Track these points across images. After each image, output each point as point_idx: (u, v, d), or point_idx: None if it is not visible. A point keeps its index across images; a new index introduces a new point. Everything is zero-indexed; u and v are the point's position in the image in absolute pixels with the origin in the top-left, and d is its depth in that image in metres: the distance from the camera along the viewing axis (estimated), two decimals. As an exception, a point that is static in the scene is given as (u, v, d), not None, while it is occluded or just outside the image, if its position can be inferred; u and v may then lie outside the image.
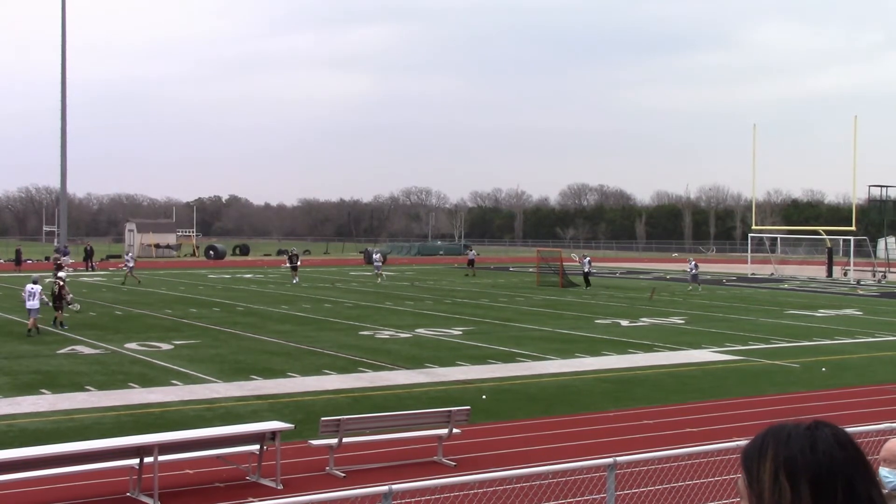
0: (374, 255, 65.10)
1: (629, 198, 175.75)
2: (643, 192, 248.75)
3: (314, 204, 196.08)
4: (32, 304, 28.94)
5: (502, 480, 11.62)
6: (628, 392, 20.91)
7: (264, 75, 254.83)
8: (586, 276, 53.68)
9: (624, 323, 34.66)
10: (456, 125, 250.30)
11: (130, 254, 60.61)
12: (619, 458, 10.45)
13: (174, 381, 21.55)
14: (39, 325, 29.59)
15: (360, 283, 56.88)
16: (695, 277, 52.38)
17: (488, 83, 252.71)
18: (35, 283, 29.54)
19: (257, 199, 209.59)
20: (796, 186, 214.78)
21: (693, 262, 53.82)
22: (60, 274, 33.51)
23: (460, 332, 31.21)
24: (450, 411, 14.95)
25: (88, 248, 73.31)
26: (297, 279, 56.51)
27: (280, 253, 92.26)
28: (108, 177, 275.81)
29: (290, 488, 13.20)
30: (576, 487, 12.07)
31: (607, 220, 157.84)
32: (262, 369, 23.38)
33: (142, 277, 55.98)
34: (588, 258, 55.47)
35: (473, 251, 71.59)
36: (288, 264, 60.53)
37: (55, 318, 31.15)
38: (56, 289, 31.28)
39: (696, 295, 48.49)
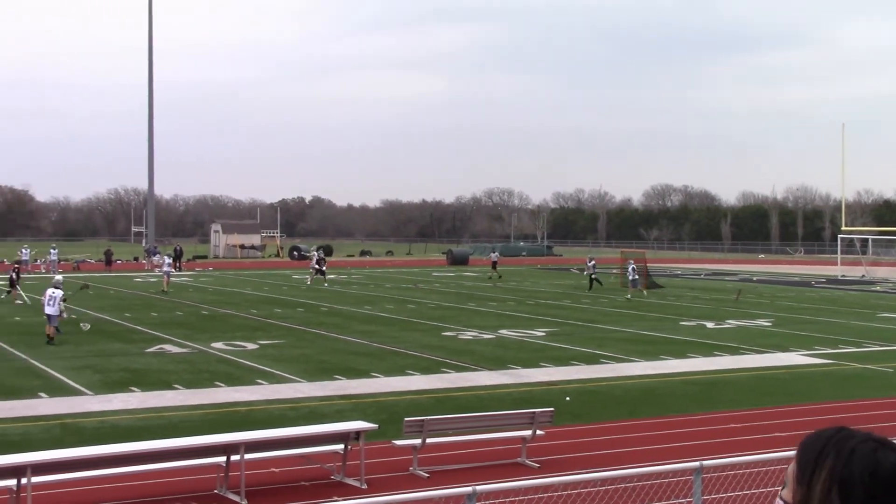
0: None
1: (714, 198, 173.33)
2: (728, 193, 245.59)
3: (397, 205, 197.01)
4: (52, 309, 27.26)
5: (586, 483, 11.51)
6: (714, 395, 20.60)
7: (347, 77, 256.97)
8: (591, 279, 52.14)
9: (709, 325, 34.18)
10: (538, 126, 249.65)
11: (166, 257, 54.32)
12: (705, 462, 10.28)
13: (259, 381, 21.80)
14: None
15: (442, 283, 56.98)
16: (633, 283, 48.22)
17: (570, 83, 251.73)
18: (57, 287, 28.10)
19: (340, 201, 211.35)
20: (888, 187, 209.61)
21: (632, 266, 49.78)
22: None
23: (543, 334, 31.07)
24: (533, 413, 14.87)
25: (178, 248, 74.62)
26: (325, 283, 53.17)
27: (289, 252, 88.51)
28: (193, 178, 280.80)
29: (374, 488, 13.25)
30: (661, 491, 11.92)
31: (692, 220, 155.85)
32: (346, 369, 23.53)
33: (226, 277, 56.72)
34: (593, 261, 53.77)
35: (496, 252, 68.69)
36: (316, 266, 55.28)
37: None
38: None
39: (781, 297, 47.59)
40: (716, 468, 11.96)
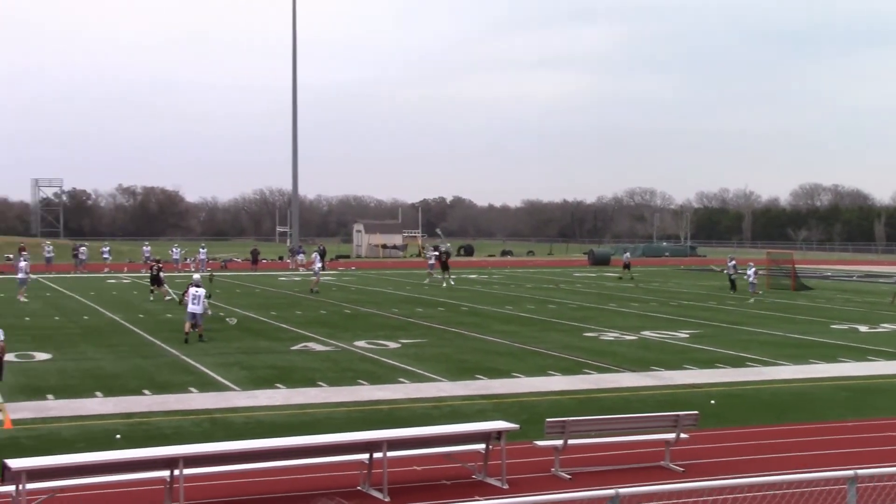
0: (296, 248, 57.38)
1: (867, 197, 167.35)
2: (882, 192, 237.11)
3: (538, 205, 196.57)
4: (198, 308, 27.72)
5: (733, 489, 11.24)
6: (869, 401, 19.86)
7: (489, 76, 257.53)
8: (731, 279, 51.10)
9: (862, 329, 32.99)
10: (681, 124, 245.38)
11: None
12: (860, 471, 9.88)
13: (401, 379, 22.00)
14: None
15: (584, 284, 56.56)
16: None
17: (712, 82, 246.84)
18: (198, 285, 28.44)
19: (481, 201, 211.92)
20: None
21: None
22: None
23: (687, 335, 30.51)
24: (677, 415, 14.59)
25: (321, 248, 75.99)
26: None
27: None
28: (337, 179, 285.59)
29: (516, 488, 13.20)
30: (812, 500, 11.52)
31: (843, 220, 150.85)
32: (487, 369, 23.55)
33: (368, 277, 57.47)
34: (734, 261, 52.33)
35: (628, 253, 67.88)
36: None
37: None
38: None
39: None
40: (871, 478, 11.49)
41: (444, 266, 54.94)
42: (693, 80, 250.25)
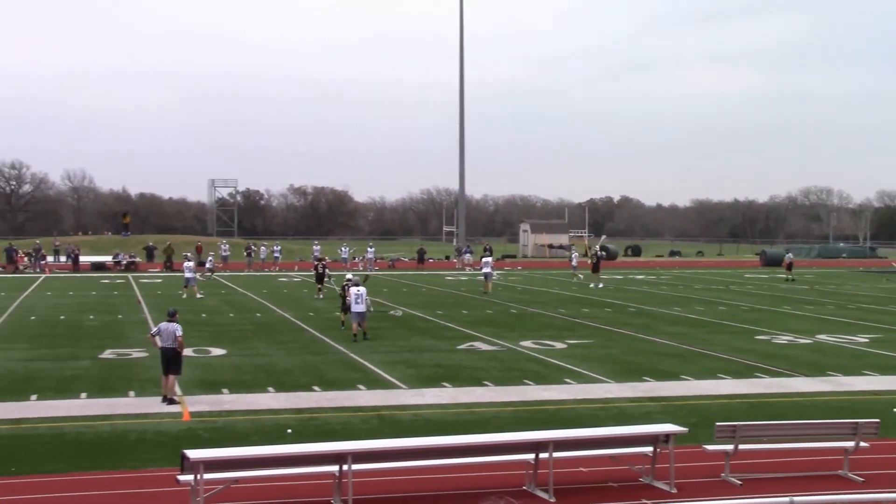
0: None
1: None
2: None
3: (707, 204, 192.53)
4: (360, 307, 28.04)
5: (917, 501, 10.70)
6: None
7: (653, 74, 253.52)
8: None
9: None
10: (859, 120, 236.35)
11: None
12: None
13: (567, 380, 21.85)
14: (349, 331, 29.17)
15: (755, 285, 55.06)
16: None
17: (893, 75, 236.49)
18: (357, 285, 28.94)
19: (649, 200, 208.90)
20: None
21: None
22: (348, 276, 33.60)
23: (866, 340, 29.31)
24: (856, 423, 13.99)
25: (488, 247, 76.30)
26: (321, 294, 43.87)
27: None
28: (503, 178, 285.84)
29: (684, 492, 12.93)
30: None
31: None
32: (655, 371, 23.18)
33: (534, 277, 57.32)
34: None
35: (790, 254, 65.63)
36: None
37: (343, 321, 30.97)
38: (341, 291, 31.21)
39: None
40: None
41: (595, 268, 54.52)
42: (874, 74, 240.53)
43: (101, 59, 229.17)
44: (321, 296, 42.88)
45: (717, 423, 13.81)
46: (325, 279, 43.64)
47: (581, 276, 56.55)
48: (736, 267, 78.89)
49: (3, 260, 64.97)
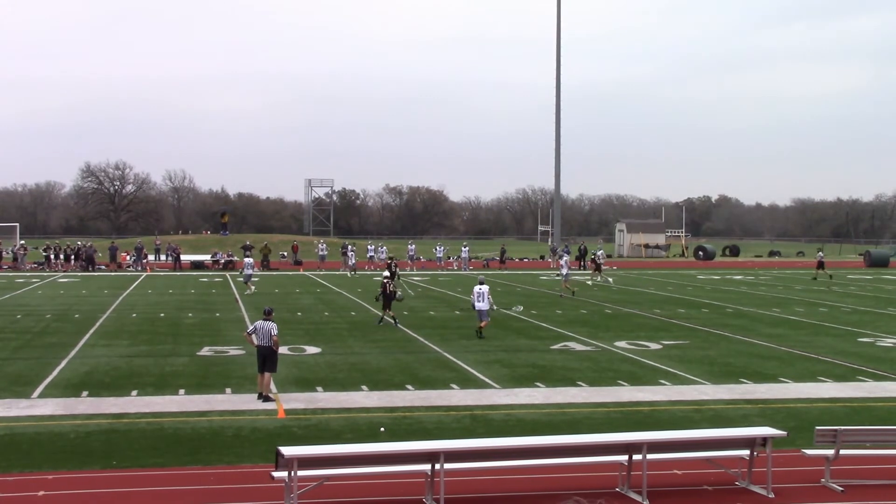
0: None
1: None
2: None
3: (809, 203, 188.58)
4: (483, 304, 28.93)
5: None
6: None
7: (753, 72, 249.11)
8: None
9: None
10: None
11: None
12: None
13: (662, 381, 21.57)
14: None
15: (859, 286, 53.70)
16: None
17: None
18: (482, 283, 29.77)
19: (748, 200, 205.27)
20: None
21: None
22: (385, 274, 35.86)
23: (975, 343, 28.38)
24: (965, 429, 13.54)
25: (582, 247, 75.89)
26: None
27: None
28: (599, 178, 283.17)
29: (782, 498, 12.66)
30: None
31: None
32: (753, 373, 22.74)
33: (630, 277, 56.74)
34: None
35: (821, 252, 65.21)
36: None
37: (382, 316, 32.44)
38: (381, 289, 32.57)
39: None
40: None
41: (598, 269, 56.15)
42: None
43: (202, 63, 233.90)
44: (399, 295, 43.77)
45: (817, 427, 13.46)
46: (395, 279, 44.48)
47: (597, 279, 56.12)
48: (839, 267, 77.03)
49: (107, 259, 66.72)
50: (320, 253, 68.63)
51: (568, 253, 73.48)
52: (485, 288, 29.22)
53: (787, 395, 20.09)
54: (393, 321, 31.73)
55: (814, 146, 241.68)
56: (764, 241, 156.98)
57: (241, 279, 47.39)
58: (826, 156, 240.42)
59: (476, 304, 29.15)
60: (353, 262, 61.95)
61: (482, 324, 28.97)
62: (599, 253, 61.50)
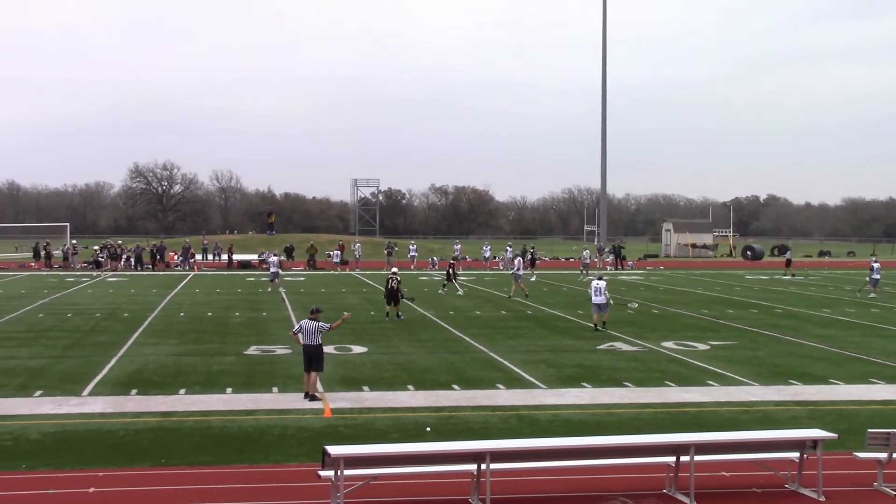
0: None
1: None
2: None
3: (859, 203, 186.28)
4: (600, 299, 30.43)
5: None
6: None
7: (797, 71, 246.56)
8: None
9: None
10: None
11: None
12: None
13: (710, 382, 21.38)
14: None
15: (909, 287, 52.92)
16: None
17: None
18: (600, 279, 31.39)
19: (797, 199, 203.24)
20: None
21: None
22: (394, 270, 36.30)
23: None
24: None
25: (616, 246, 75.40)
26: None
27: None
28: (646, 177, 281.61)
29: (833, 501, 12.50)
30: None
31: None
32: (802, 374, 22.48)
33: (677, 277, 56.24)
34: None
35: (790, 251, 68.20)
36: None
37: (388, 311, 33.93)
38: (393, 284, 33.73)
39: None
40: None
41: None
42: None
43: (249, 65, 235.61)
44: (443, 291, 45.02)
45: (869, 430, 13.28)
46: (452, 280, 45.09)
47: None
48: (891, 268, 75.95)
49: (148, 258, 67.44)
50: (356, 254, 69.04)
51: (618, 254, 73.03)
52: (602, 283, 30.83)
53: (837, 396, 19.83)
54: (398, 316, 33.34)
55: (864, 145, 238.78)
56: (814, 240, 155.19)
57: (267, 277, 48.08)
58: (876, 154, 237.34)
59: (594, 298, 30.63)
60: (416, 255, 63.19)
61: (596, 317, 30.73)
62: (585, 253, 62.79)
